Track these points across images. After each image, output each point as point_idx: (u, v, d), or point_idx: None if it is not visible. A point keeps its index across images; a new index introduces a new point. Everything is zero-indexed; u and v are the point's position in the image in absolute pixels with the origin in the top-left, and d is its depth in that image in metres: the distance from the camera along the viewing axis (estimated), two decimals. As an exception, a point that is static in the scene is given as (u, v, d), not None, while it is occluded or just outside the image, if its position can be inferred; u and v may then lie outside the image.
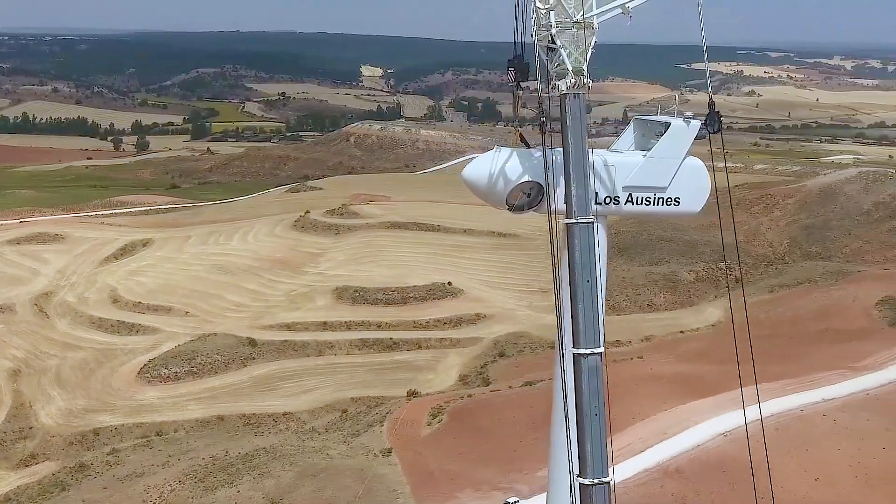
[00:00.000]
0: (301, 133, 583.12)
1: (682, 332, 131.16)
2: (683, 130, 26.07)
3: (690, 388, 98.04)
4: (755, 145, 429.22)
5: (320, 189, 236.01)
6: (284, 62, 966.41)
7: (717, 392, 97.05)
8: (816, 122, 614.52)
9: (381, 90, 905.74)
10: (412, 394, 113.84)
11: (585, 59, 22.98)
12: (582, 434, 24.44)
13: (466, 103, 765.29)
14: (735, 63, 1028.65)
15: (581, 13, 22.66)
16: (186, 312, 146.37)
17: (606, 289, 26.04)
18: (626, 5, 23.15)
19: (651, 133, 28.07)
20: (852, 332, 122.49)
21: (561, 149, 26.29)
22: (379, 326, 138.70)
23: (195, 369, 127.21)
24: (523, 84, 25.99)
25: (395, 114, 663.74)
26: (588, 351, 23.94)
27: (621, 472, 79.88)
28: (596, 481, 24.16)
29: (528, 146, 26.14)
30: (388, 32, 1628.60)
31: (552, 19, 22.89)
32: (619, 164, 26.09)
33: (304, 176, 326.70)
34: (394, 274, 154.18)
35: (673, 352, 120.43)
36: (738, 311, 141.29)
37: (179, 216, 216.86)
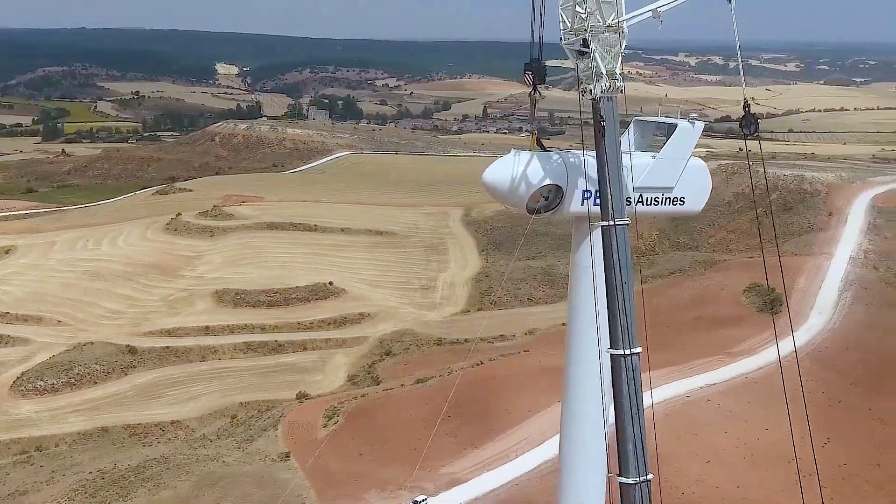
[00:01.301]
0: (159, 133, 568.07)
1: (563, 324, 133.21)
2: (689, 132, 26.58)
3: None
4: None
5: (190, 190, 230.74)
6: (136, 60, 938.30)
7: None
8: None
9: (239, 88, 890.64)
10: (302, 396, 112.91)
11: (617, 63, 23.21)
12: (623, 434, 24.75)
13: (327, 101, 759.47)
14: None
15: (614, 17, 22.87)
16: (59, 321, 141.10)
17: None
18: (658, 9, 23.52)
19: (650, 134, 28.55)
20: (725, 319, 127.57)
21: (577, 152, 26.72)
22: (263, 329, 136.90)
23: (73, 380, 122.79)
24: (540, 87, 26.09)
25: (255, 112, 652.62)
26: (628, 351, 24.28)
27: (523, 464, 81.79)
28: (640, 480, 24.56)
29: (543, 149, 26.21)
30: (242, 29, 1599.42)
31: (588, 24, 23.02)
32: (632, 165, 26.43)
33: (171, 177, 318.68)
34: (274, 275, 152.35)
35: (558, 344, 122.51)
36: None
37: (42, 221, 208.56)
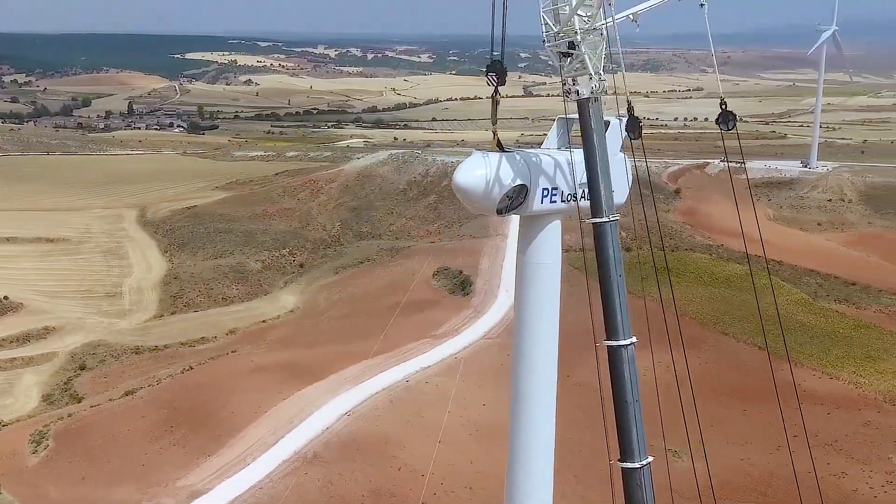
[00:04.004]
0: None
1: (263, 321, 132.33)
2: (618, 127, 27.07)
3: (299, 375, 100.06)
4: (268, 133, 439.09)
5: None
6: None
7: (324, 375, 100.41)
8: (316, 109, 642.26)
9: None
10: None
11: (601, 63, 23.31)
12: (626, 422, 24.95)
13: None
14: (228, 53, 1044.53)
15: (601, 20, 22.96)
16: None
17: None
18: (637, 12, 23.87)
19: (569, 131, 28.80)
20: (421, 303, 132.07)
21: (533, 150, 26.61)
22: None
23: None
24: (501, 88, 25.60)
25: None
26: (627, 342, 24.57)
27: (262, 467, 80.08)
28: (644, 463, 25.07)
29: (503, 150, 25.78)
30: None
31: (576, 25, 22.93)
32: (578, 162, 26.61)
33: None
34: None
35: (262, 342, 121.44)
36: (302, 294, 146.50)
37: None
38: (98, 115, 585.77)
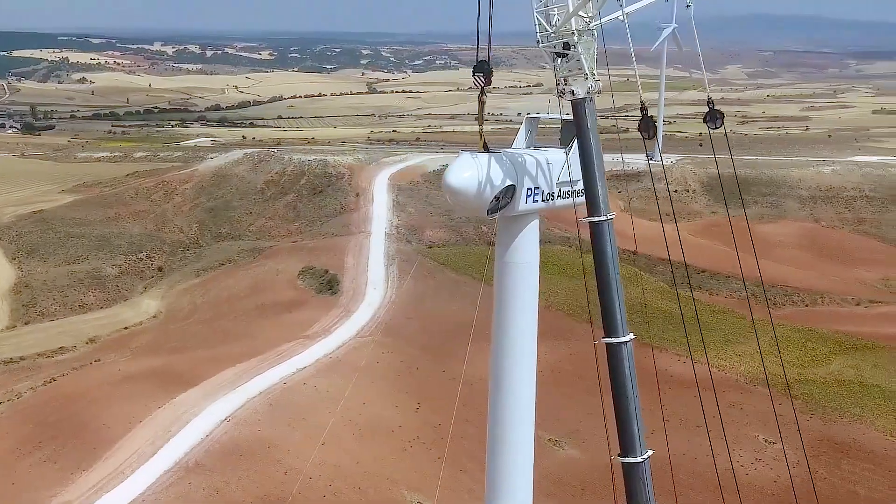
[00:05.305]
0: None
1: (125, 328, 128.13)
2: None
3: (171, 381, 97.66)
4: (110, 133, 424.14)
5: None
6: None
7: (198, 381, 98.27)
8: (157, 108, 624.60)
9: None
10: None
11: (595, 63, 23.43)
12: (627, 417, 25.35)
13: None
14: (59, 50, 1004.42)
15: (597, 20, 23.04)
16: None
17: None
18: (626, 13, 24.00)
19: (536, 130, 28.78)
20: (289, 303, 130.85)
21: (517, 150, 26.56)
22: None
23: None
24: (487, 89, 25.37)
25: None
26: (626, 339, 24.90)
27: (143, 478, 77.84)
28: (646, 457, 25.57)
29: (488, 150, 25.52)
30: None
31: (573, 26, 22.94)
32: (554, 161, 26.64)
33: None
34: None
35: (127, 349, 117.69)
36: (163, 299, 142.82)
37: None
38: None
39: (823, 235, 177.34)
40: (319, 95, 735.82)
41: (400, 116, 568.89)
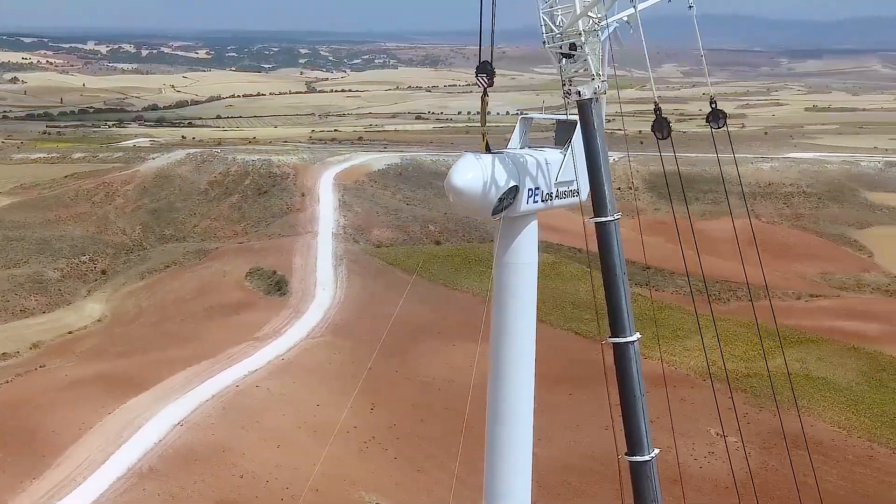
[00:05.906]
0: None
1: (70, 332, 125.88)
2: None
3: (120, 386, 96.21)
4: (45, 133, 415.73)
5: None
6: None
7: (148, 385, 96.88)
8: (92, 108, 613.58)
9: None
10: None
11: (601, 64, 23.33)
12: (635, 416, 25.29)
13: None
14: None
15: (604, 21, 22.97)
16: None
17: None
18: (633, 13, 23.90)
19: (529, 128, 28.57)
20: (237, 305, 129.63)
21: (517, 151, 26.41)
22: None
23: None
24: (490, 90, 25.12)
25: None
26: (633, 338, 24.97)
27: (96, 485, 76.59)
28: (653, 456, 25.60)
29: (490, 151, 25.28)
30: None
31: (580, 27, 22.83)
32: (553, 161, 26.49)
33: None
34: None
35: (72, 354, 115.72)
36: (108, 302, 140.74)
37: None
38: None
39: (764, 231, 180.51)
40: (258, 95, 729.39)
41: (340, 116, 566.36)
